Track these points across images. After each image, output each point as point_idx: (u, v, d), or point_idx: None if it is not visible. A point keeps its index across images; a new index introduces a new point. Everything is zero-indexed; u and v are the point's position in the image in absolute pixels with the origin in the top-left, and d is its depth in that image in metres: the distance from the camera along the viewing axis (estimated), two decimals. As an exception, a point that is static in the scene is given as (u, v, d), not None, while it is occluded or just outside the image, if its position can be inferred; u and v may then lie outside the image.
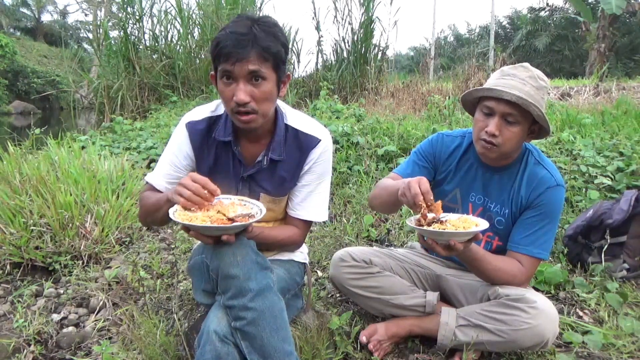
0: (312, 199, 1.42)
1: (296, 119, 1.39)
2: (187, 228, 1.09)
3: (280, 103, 1.39)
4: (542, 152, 3.58)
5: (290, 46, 9.21)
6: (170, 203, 1.16)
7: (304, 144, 1.37)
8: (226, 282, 1.14)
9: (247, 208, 1.20)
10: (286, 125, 1.37)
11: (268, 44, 1.16)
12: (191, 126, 1.37)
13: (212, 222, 1.07)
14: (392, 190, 1.36)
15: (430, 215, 1.24)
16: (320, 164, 1.39)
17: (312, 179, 1.40)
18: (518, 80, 1.33)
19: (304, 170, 1.39)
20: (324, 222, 2.79)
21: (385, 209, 1.58)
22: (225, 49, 1.15)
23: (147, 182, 1.40)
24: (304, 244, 1.61)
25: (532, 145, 1.48)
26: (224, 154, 1.37)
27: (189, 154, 1.38)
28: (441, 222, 1.24)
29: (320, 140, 1.37)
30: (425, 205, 1.19)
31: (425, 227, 1.20)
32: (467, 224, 1.25)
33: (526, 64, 1.39)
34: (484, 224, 1.24)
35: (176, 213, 1.10)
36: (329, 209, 3.02)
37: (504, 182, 1.45)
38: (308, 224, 1.46)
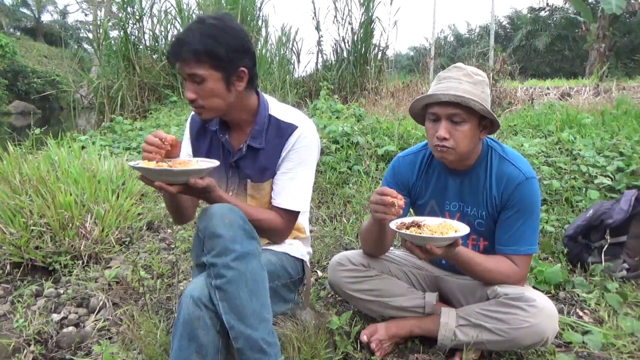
0: (291, 187, 1.42)
1: (279, 109, 1.46)
2: (143, 176, 1.18)
3: (266, 95, 1.48)
4: (542, 152, 3.61)
5: (290, 46, 9.22)
6: None
7: (282, 131, 1.42)
8: (212, 240, 1.17)
9: (202, 165, 1.26)
10: (269, 115, 1.43)
11: (198, 47, 1.24)
12: (193, 116, 1.53)
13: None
14: (369, 224, 1.47)
15: (409, 220, 1.28)
16: (298, 151, 1.42)
17: (291, 166, 1.43)
18: (453, 80, 1.35)
19: (282, 157, 1.43)
20: (324, 222, 2.79)
21: (377, 245, 1.56)
22: (168, 54, 1.34)
23: None
24: (305, 244, 1.61)
25: (494, 141, 1.48)
26: (215, 143, 1.48)
27: (190, 142, 1.53)
28: (419, 226, 1.26)
29: (297, 127, 1.41)
30: (395, 203, 1.24)
31: (403, 231, 1.22)
32: (446, 229, 1.25)
33: (459, 64, 1.42)
34: (464, 230, 1.24)
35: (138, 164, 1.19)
36: (328, 208, 3.05)
37: (474, 184, 1.44)
38: (289, 213, 1.44)
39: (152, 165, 1.17)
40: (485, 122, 1.38)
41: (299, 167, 1.43)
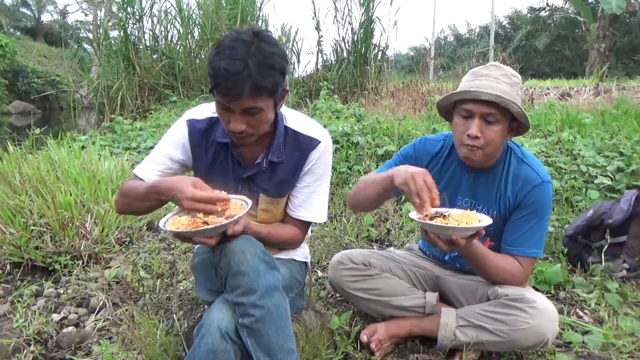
0: (312, 200, 1.42)
1: (296, 120, 1.40)
2: (177, 235, 1.13)
3: None
4: (542, 152, 3.61)
5: (290, 46, 9.22)
6: (160, 197, 1.19)
7: (303, 145, 1.37)
8: (236, 279, 1.15)
9: (241, 208, 1.20)
10: (286, 127, 1.37)
11: (263, 81, 1.13)
12: (192, 124, 1.37)
13: (186, 226, 1.12)
14: (381, 180, 1.35)
15: (432, 210, 1.22)
16: (320, 165, 1.40)
17: (312, 180, 1.41)
18: (492, 79, 1.31)
19: (304, 172, 1.40)
20: (324, 222, 2.78)
21: (367, 204, 1.50)
22: (219, 86, 1.14)
23: (133, 174, 1.38)
24: (305, 244, 1.62)
25: (514, 143, 1.47)
26: (222, 154, 1.38)
27: (187, 150, 1.38)
28: (444, 216, 1.23)
29: (320, 141, 1.38)
30: (428, 200, 1.19)
31: (429, 221, 1.19)
32: (470, 219, 1.23)
33: (497, 63, 1.38)
34: (487, 220, 1.23)
35: (167, 222, 1.15)
36: (329, 208, 3.03)
37: (489, 183, 1.44)
38: (307, 224, 1.47)
39: (184, 221, 1.14)
40: (514, 125, 1.37)
41: (319, 180, 1.42)
